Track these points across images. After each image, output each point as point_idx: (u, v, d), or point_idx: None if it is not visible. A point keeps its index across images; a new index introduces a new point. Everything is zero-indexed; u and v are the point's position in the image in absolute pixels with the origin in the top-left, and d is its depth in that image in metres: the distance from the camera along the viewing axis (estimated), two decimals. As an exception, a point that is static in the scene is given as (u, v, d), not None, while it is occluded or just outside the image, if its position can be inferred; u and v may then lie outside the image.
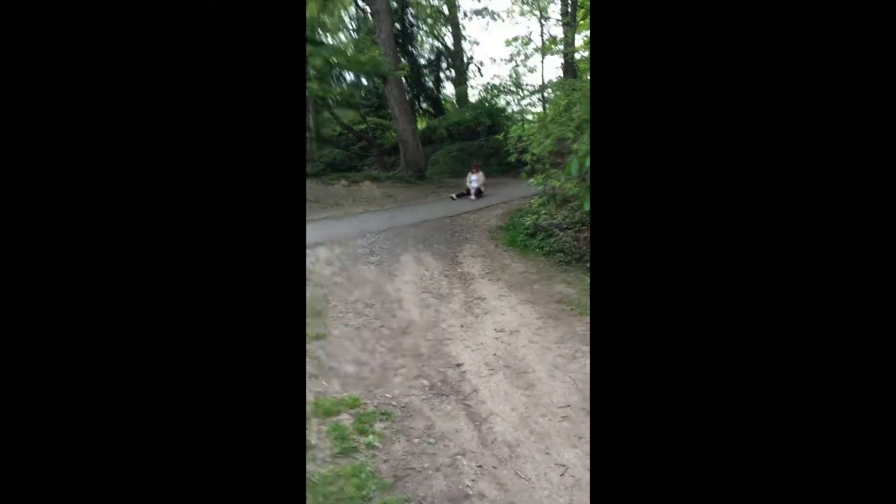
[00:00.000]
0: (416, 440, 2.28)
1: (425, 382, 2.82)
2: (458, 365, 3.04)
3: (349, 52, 10.64)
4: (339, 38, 15.28)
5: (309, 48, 10.36)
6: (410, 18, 16.07)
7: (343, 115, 14.95)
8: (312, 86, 11.52)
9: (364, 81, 15.65)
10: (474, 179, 9.56)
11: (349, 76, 15.24)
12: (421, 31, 17.04)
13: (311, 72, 10.61)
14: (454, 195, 9.64)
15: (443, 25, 17.26)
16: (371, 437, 2.27)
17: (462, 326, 3.65)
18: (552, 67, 27.76)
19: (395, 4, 14.35)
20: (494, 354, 3.17)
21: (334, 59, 10.52)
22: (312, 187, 9.70)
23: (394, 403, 2.59)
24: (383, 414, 2.47)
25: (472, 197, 9.35)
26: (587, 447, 2.22)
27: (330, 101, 14.02)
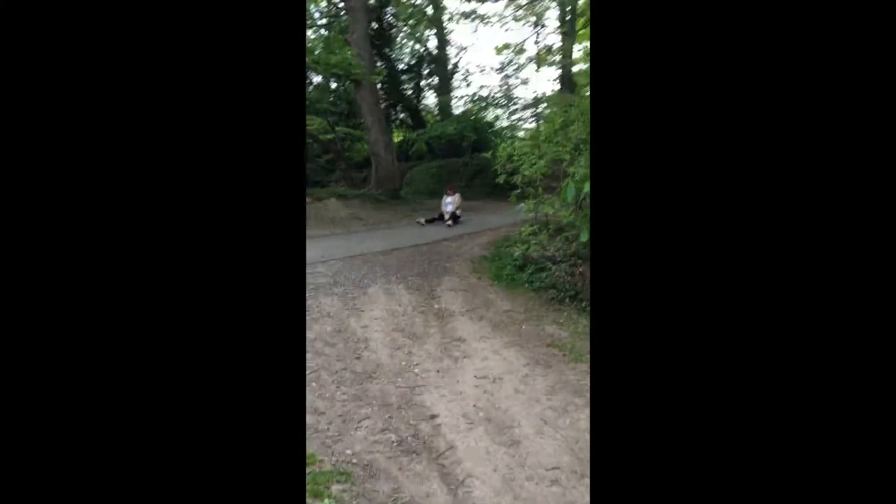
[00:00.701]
0: (380, 506, 2.25)
1: (393, 437, 2.80)
2: (433, 417, 3.03)
3: (317, 51, 10.79)
4: (307, 35, 15.57)
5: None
6: (389, 18, 16.45)
7: (308, 121, 15.06)
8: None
9: (333, 85, 15.87)
10: (449, 202, 9.64)
11: (317, 78, 15.44)
12: (401, 33, 17.44)
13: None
14: (422, 220, 9.71)
15: (426, 28, 17.69)
16: (326, 501, 2.23)
17: (438, 372, 3.65)
18: (547, 80, 28.66)
19: (372, 1, 14.68)
20: (474, 405, 3.16)
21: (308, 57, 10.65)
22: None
23: (355, 461, 2.55)
24: (342, 474, 2.43)
25: (448, 223, 9.38)
26: (579, 517, 2.22)
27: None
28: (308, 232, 8.61)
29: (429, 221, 9.64)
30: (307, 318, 4.57)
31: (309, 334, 4.20)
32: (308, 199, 10.70)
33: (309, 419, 2.92)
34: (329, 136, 15.04)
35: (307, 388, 3.29)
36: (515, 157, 7.14)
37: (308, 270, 5.98)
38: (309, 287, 5.41)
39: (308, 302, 4.98)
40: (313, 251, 6.95)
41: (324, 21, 15.71)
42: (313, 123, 15.25)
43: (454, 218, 9.46)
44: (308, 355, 3.82)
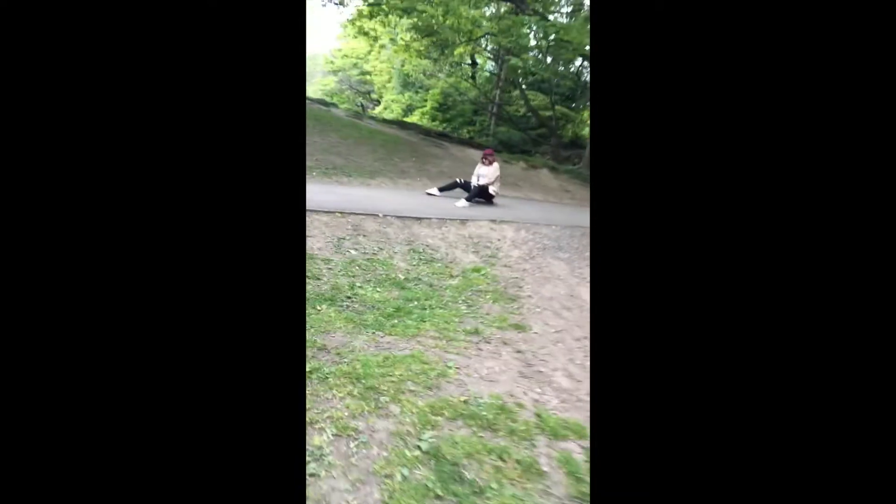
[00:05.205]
0: None
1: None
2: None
3: (572, 32, 9.98)
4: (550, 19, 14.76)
5: (526, 19, 10.02)
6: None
7: (532, 96, 14.52)
8: (514, 61, 11.14)
9: (561, 67, 15.00)
10: (482, 175, 6.41)
11: (548, 59, 14.72)
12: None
13: (514, 44, 10.22)
14: (436, 190, 6.51)
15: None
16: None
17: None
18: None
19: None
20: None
21: (556, 35, 9.97)
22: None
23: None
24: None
25: (466, 201, 6.16)
26: None
27: (520, 81, 13.60)
28: (521, 193, 8.22)
29: (443, 190, 6.47)
30: (540, 276, 4.16)
31: (545, 293, 3.78)
32: (524, 165, 10.30)
33: (567, 383, 2.49)
34: (548, 113, 14.37)
35: (557, 349, 2.87)
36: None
37: (531, 231, 5.53)
38: (537, 246, 4.99)
39: (536, 260, 4.56)
40: (535, 212, 6.50)
41: (568, 9, 14.74)
42: (536, 99, 14.72)
43: (481, 194, 6.32)
44: (547, 313, 3.40)
